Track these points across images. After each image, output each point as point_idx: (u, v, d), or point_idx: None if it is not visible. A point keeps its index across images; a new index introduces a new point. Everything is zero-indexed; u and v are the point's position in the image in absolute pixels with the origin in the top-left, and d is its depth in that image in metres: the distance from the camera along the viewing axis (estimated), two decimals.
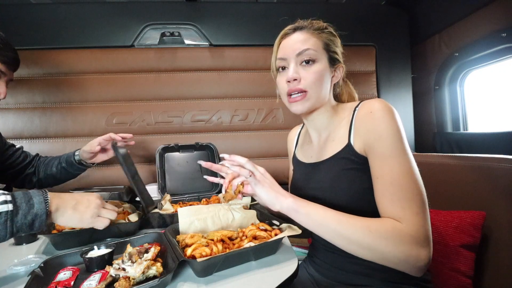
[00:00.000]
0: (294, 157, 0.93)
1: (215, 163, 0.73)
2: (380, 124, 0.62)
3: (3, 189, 0.62)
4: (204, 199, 1.12)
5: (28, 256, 0.71)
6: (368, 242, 0.56)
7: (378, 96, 1.66)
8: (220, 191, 1.30)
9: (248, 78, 1.58)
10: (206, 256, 0.58)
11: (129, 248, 0.62)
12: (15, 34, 1.39)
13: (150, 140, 1.49)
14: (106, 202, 0.77)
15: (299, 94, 0.73)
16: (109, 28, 1.48)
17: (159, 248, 0.65)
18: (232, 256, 0.61)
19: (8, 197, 0.58)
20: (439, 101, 1.61)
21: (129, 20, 1.48)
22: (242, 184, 0.68)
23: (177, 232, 0.74)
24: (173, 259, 0.60)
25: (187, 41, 1.54)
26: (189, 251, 0.61)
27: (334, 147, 0.73)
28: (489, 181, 0.84)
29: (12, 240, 0.84)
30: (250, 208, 0.86)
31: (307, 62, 0.72)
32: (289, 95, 0.75)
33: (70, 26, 1.45)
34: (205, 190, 1.33)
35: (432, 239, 0.58)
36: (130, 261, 0.57)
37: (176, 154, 1.38)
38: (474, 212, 0.84)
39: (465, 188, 0.92)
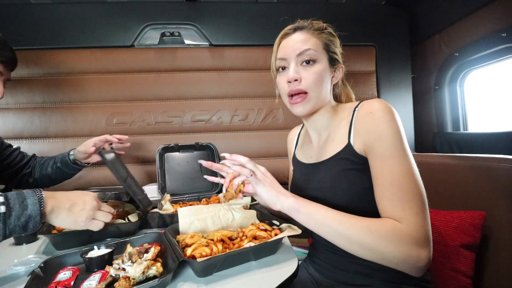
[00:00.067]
0: (294, 157, 0.93)
1: (215, 163, 0.73)
2: (380, 125, 0.62)
3: (3, 190, 0.61)
4: (204, 199, 1.12)
5: (28, 256, 0.71)
6: (368, 242, 0.56)
7: (378, 96, 1.67)
8: (220, 191, 1.30)
9: (248, 78, 1.58)
10: (206, 256, 0.58)
11: (129, 248, 0.62)
12: (15, 34, 1.39)
13: (150, 140, 1.49)
14: (106, 202, 0.77)
15: (300, 96, 0.73)
16: (109, 28, 1.48)
17: (159, 248, 0.65)
18: (232, 256, 0.61)
19: (1, 199, 0.56)
20: (439, 101, 1.61)
21: (129, 20, 1.49)
22: (243, 183, 0.68)
23: (177, 232, 0.74)
24: (173, 259, 0.60)
25: (187, 41, 1.54)
26: (189, 251, 0.61)
27: (334, 148, 0.73)
28: (489, 181, 0.84)
29: (12, 240, 0.84)
30: (250, 208, 0.86)
31: (308, 62, 0.72)
32: (290, 96, 0.75)
33: (70, 26, 1.45)
34: (205, 190, 1.34)
35: (432, 239, 0.58)
36: (130, 261, 0.57)
37: (176, 154, 1.38)
38: (474, 212, 0.84)
39: (465, 188, 0.92)
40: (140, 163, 1.49)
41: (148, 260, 0.58)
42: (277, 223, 0.75)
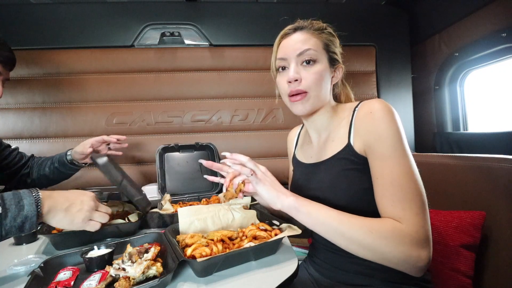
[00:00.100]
0: (294, 157, 0.93)
1: (215, 162, 0.73)
2: (380, 125, 0.62)
3: (3, 191, 0.60)
4: (204, 199, 1.12)
5: (28, 256, 0.71)
6: (368, 242, 0.56)
7: (378, 96, 1.67)
8: (220, 191, 1.30)
9: (248, 78, 1.58)
10: (206, 256, 0.58)
11: (129, 248, 0.62)
12: (15, 34, 1.39)
13: (150, 140, 1.49)
14: (106, 202, 0.76)
15: (300, 95, 0.73)
16: (109, 28, 1.48)
17: (159, 248, 0.64)
18: (232, 256, 0.61)
19: None
20: (439, 101, 1.61)
21: (129, 20, 1.49)
22: (243, 182, 0.68)
23: (177, 232, 0.74)
24: (173, 259, 0.60)
25: (187, 41, 1.54)
26: (189, 251, 0.61)
27: (334, 148, 0.73)
28: (489, 181, 0.84)
29: (12, 240, 0.84)
30: (250, 208, 0.86)
31: (308, 62, 0.72)
32: (290, 95, 0.75)
33: (70, 26, 1.45)
34: (205, 190, 1.33)
35: (432, 239, 0.58)
36: (130, 261, 0.57)
37: (176, 154, 1.38)
38: (474, 212, 0.84)
39: (465, 188, 0.92)
40: (140, 163, 1.49)
41: (148, 260, 0.58)
42: (277, 223, 0.75)
